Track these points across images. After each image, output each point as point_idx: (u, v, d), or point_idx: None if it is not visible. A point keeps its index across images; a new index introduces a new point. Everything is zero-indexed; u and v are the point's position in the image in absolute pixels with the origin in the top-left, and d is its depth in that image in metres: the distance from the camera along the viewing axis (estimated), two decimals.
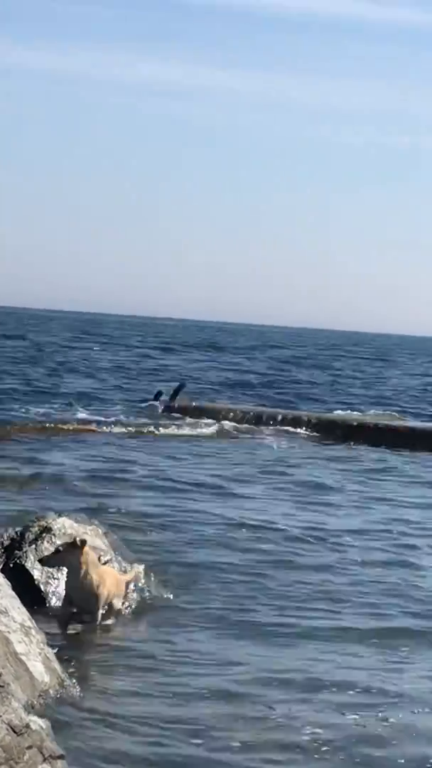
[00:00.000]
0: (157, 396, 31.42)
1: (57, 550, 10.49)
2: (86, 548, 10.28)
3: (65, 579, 10.47)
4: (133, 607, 10.76)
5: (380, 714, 8.16)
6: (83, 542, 10.32)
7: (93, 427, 26.82)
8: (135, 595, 10.91)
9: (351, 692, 8.61)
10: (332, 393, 43.42)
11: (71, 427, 26.45)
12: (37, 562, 11.00)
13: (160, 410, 30.44)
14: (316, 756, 7.34)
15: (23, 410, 29.70)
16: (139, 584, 11.10)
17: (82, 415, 29.34)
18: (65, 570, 10.68)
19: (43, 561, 10.57)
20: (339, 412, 33.51)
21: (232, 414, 29.87)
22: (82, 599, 10.23)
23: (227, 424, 28.39)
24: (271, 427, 28.53)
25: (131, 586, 10.92)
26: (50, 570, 11.02)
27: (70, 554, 10.28)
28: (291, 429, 28.51)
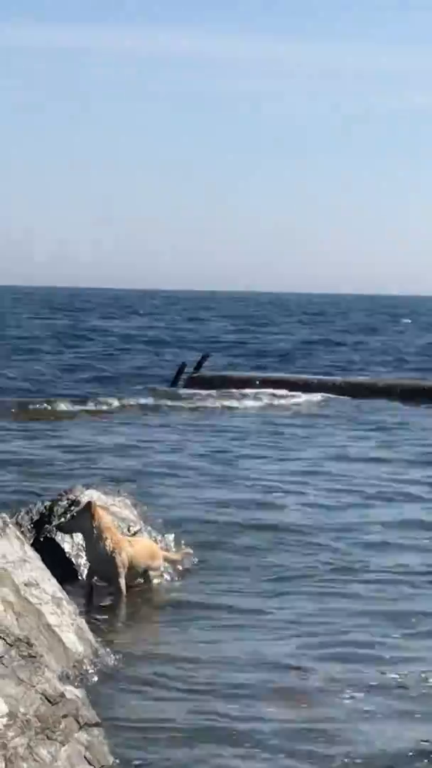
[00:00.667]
0: (181, 370, 31.33)
1: (72, 516, 10.55)
2: (98, 511, 10.26)
3: (84, 546, 10.48)
4: (164, 576, 10.71)
5: None
6: (90, 504, 10.31)
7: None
8: (166, 564, 10.87)
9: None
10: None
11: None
12: (67, 535, 11.00)
13: (182, 383, 30.39)
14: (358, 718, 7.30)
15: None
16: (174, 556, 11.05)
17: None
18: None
19: (60, 527, 10.64)
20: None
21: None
22: (99, 565, 10.21)
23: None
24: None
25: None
26: (80, 543, 11.01)
27: (82, 518, 10.29)
28: None
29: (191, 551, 11.22)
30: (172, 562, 10.82)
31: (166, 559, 10.69)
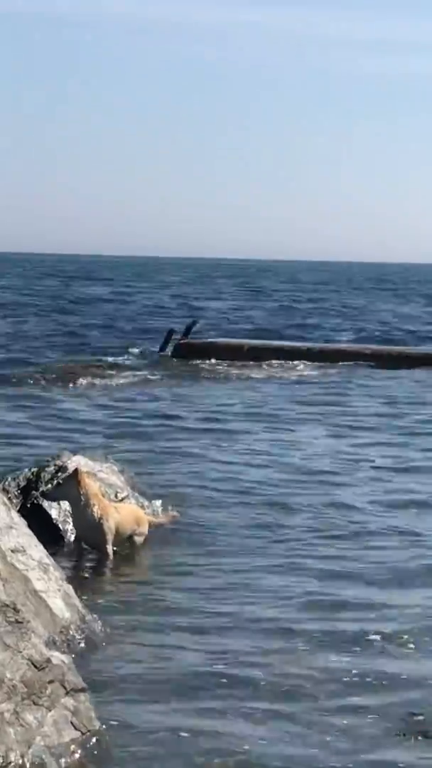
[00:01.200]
0: (170, 334, 31.24)
1: (58, 483, 10.58)
2: (85, 478, 10.28)
3: (71, 513, 10.48)
4: (150, 541, 10.72)
5: None
6: (77, 471, 10.32)
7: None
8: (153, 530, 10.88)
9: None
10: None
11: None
12: (54, 502, 11.00)
13: (169, 349, 30.33)
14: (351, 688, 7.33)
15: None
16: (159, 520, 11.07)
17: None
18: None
19: (45, 494, 10.67)
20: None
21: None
22: (86, 531, 10.24)
23: None
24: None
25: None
26: (67, 509, 11.01)
27: (68, 485, 10.31)
28: None
29: (178, 515, 11.23)
30: (159, 527, 10.83)
31: (152, 524, 10.71)
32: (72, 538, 10.73)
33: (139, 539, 10.55)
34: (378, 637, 8.09)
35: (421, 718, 6.73)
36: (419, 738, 6.49)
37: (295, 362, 28.51)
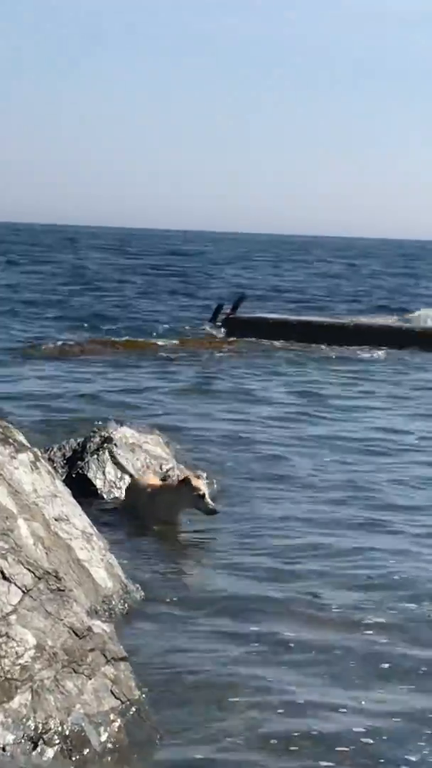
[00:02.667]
0: (218, 309, 31.19)
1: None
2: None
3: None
4: (198, 515, 10.70)
5: None
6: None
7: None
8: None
9: None
10: None
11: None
12: (99, 472, 11.03)
13: (219, 324, 30.28)
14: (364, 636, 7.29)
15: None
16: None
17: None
18: (127, 478, 10.79)
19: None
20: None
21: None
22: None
23: None
24: None
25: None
26: (112, 479, 11.03)
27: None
28: None
29: (204, 477, 11.21)
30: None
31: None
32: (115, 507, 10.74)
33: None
34: None
35: None
36: None
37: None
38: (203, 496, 10.21)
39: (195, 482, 10.25)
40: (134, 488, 10.65)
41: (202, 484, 10.31)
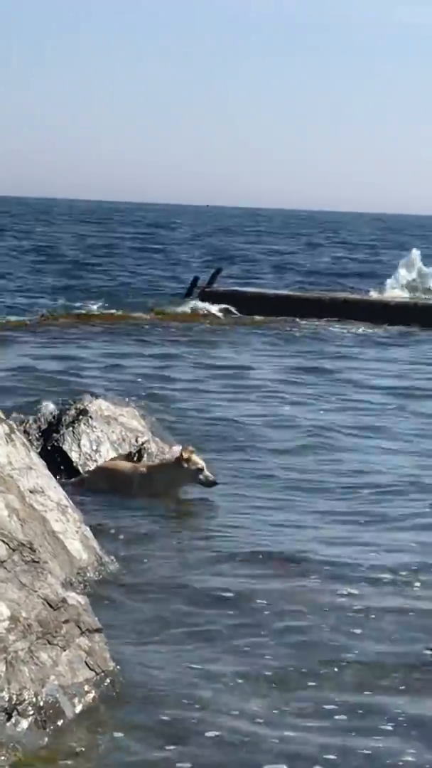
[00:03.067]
0: (195, 282, 31.19)
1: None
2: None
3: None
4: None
5: None
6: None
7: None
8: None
9: None
10: None
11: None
12: (74, 444, 11.02)
13: (196, 296, 30.27)
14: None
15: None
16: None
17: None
18: (103, 452, 10.79)
19: None
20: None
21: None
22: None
23: None
24: None
25: None
26: (88, 451, 11.02)
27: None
28: None
29: (179, 450, 11.22)
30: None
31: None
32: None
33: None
34: None
35: None
36: None
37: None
38: (202, 469, 10.26)
39: (193, 457, 10.30)
40: (112, 472, 10.54)
41: (199, 459, 10.36)
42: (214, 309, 28.13)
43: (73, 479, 10.59)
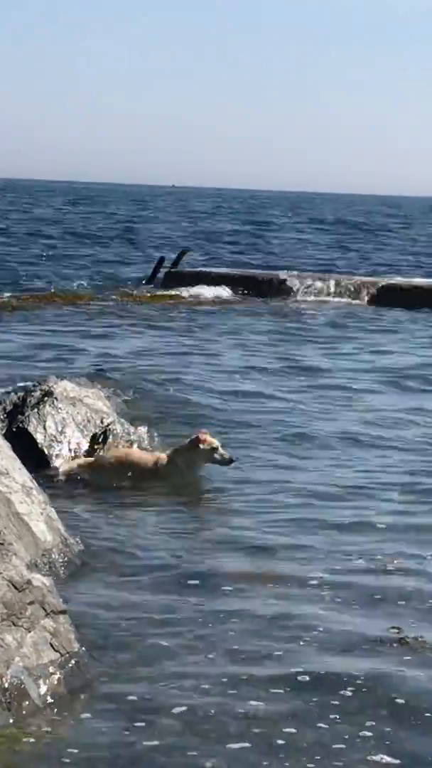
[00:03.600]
0: (160, 263, 31.17)
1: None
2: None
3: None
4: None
5: None
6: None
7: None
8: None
9: None
10: None
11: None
12: (39, 426, 10.99)
13: (159, 279, 30.26)
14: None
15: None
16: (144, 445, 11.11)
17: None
18: (68, 433, 10.78)
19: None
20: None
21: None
22: None
23: None
24: None
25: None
26: (53, 433, 11.01)
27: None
28: None
29: (144, 431, 11.25)
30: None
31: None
32: (58, 462, 10.72)
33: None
34: None
35: None
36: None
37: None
38: (217, 448, 10.33)
39: (208, 438, 10.36)
40: (132, 464, 10.52)
41: (214, 439, 10.40)
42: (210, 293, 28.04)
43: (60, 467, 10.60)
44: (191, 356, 17.88)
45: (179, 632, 6.77)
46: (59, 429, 11.14)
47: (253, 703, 5.84)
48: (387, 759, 5.38)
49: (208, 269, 32.25)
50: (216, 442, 10.41)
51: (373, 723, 5.69)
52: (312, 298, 28.19)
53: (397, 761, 5.35)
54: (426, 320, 24.71)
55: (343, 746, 5.46)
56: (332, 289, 28.72)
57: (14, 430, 11.04)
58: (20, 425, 11.12)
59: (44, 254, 38.37)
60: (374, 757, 5.38)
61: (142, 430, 11.46)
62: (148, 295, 27.61)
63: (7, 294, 26.04)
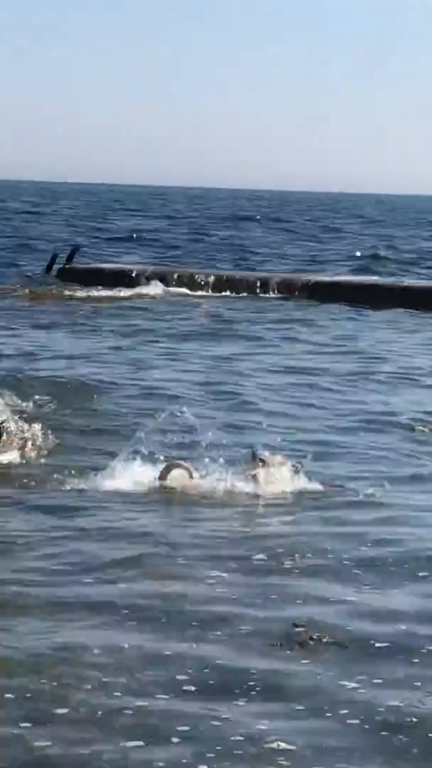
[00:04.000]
0: (53, 259, 31.10)
1: None
2: None
3: None
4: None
5: None
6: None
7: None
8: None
9: None
10: None
11: None
12: None
13: (54, 273, 30.26)
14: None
15: None
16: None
17: None
18: None
19: None
20: None
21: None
22: None
23: None
24: None
25: None
26: None
27: None
28: None
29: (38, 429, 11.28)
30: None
31: None
32: None
33: None
34: None
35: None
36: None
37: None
38: None
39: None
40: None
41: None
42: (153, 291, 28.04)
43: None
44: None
45: (80, 630, 6.73)
46: None
47: (145, 704, 5.80)
48: None
49: (103, 265, 32.17)
50: None
51: (267, 721, 5.67)
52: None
53: None
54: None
55: None
56: None
57: None
58: None
59: None
60: None
61: (36, 427, 11.41)
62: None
63: None
